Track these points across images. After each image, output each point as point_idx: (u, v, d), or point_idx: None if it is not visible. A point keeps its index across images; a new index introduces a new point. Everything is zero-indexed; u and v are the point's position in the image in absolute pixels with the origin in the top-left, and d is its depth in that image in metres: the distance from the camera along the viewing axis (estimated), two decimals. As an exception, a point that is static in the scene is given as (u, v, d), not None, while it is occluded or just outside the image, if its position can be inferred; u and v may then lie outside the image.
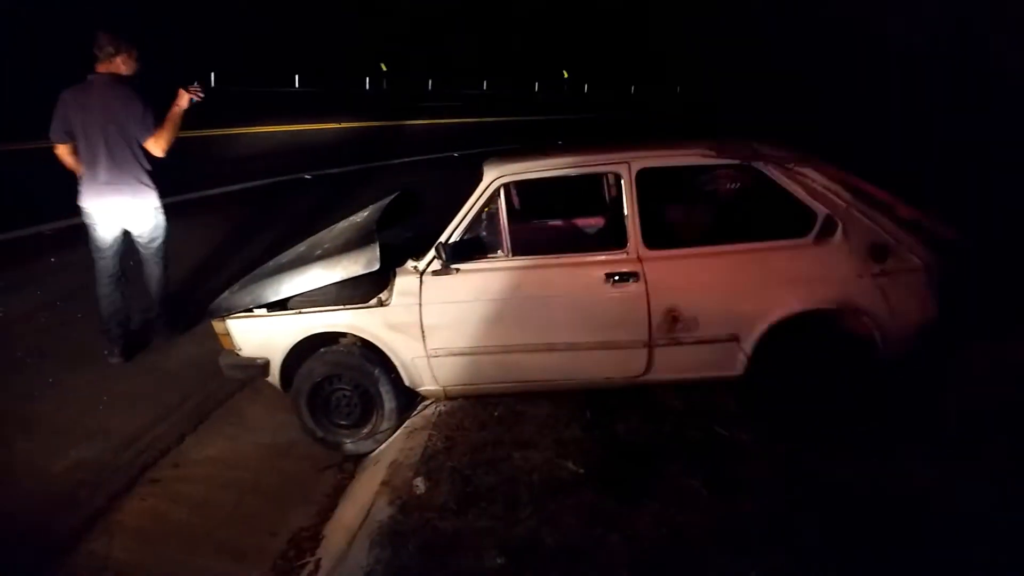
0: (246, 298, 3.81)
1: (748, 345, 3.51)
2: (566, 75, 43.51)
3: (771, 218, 3.62)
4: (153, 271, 4.83)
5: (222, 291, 4.02)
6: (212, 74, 26.17)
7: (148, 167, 4.53)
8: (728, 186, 3.95)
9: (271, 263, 4.18)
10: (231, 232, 7.78)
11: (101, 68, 4.35)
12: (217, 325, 3.91)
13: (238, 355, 3.89)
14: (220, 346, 4.00)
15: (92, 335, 5.09)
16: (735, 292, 3.51)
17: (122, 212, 4.51)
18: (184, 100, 4.41)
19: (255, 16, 29.61)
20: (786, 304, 3.46)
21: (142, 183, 4.51)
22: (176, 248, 7.05)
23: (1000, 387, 3.53)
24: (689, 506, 2.94)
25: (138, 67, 4.47)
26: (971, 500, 2.84)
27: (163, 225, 4.76)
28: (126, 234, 4.66)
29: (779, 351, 3.50)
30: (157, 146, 4.42)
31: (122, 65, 4.39)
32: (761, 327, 3.48)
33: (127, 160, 4.42)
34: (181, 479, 3.72)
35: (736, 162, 3.61)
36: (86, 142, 4.34)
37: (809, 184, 3.50)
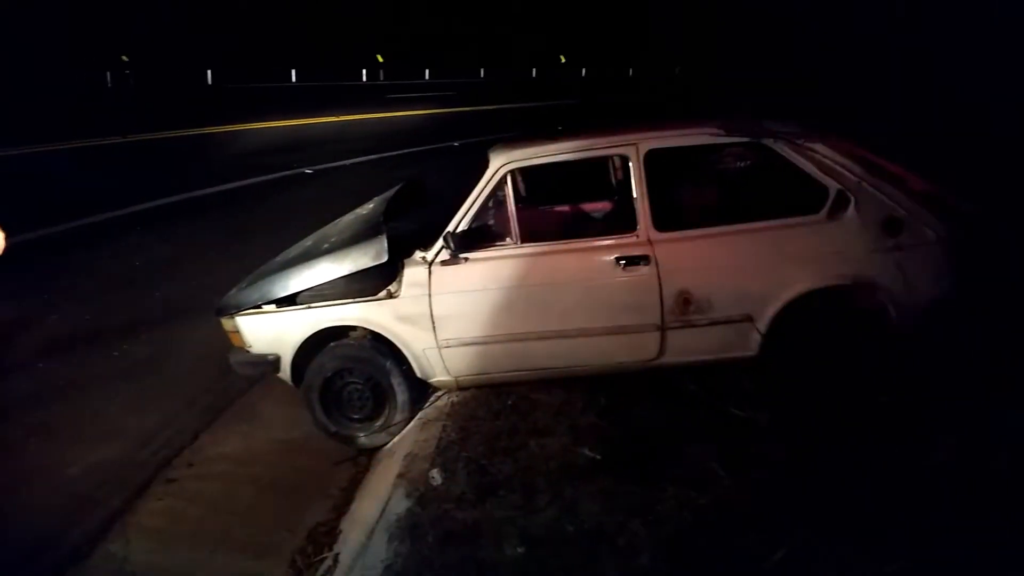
0: (254, 295, 3.78)
1: (762, 325, 3.47)
2: (563, 60, 43.25)
3: (782, 195, 3.57)
4: None
5: (229, 289, 3.99)
6: (209, 71, 26.16)
7: None
8: (737, 164, 3.90)
9: (278, 259, 4.14)
10: (235, 229, 7.77)
11: None
12: (226, 323, 3.88)
13: (248, 352, 3.87)
14: (230, 344, 3.97)
15: (99, 337, 5.08)
16: (748, 272, 3.47)
17: None
18: None
19: (251, 12, 29.55)
20: (800, 282, 3.42)
21: None
22: (181, 248, 7.09)
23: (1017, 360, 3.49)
24: (710, 489, 2.90)
25: None
26: (987, 474, 2.81)
27: None
28: None
29: (794, 330, 3.47)
30: None
31: None
32: (775, 306, 3.44)
33: None
34: (196, 478, 3.71)
35: (745, 140, 3.56)
36: None
37: (820, 159, 3.45)
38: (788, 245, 3.44)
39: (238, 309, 3.80)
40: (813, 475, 2.94)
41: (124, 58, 25.30)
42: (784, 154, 3.47)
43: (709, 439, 3.25)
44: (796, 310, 3.44)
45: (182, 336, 5.13)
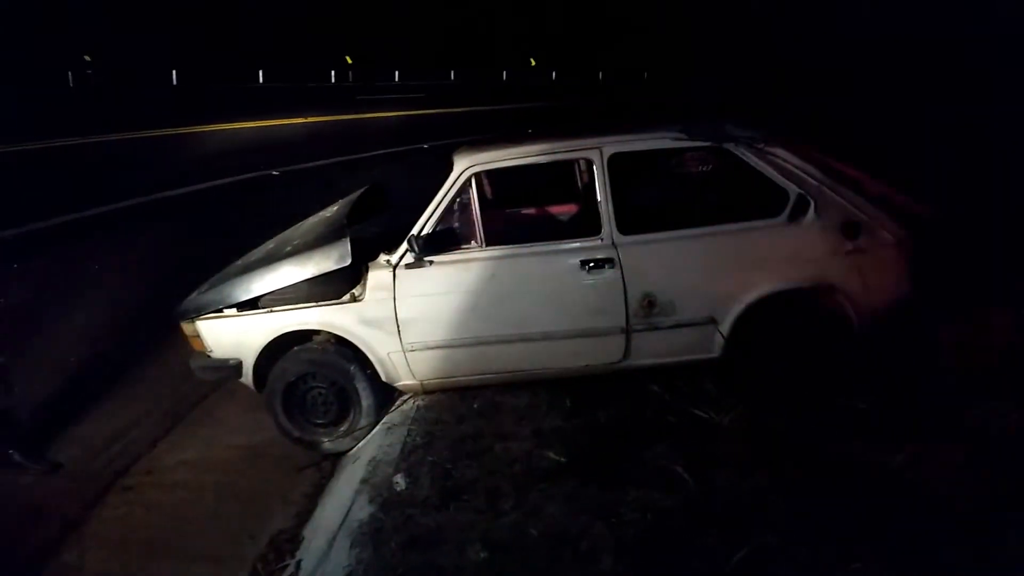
0: (216, 298, 3.71)
1: (725, 327, 3.50)
2: (533, 63, 43.35)
3: (744, 199, 3.61)
4: None
5: (191, 292, 3.92)
6: (174, 72, 25.75)
7: None
8: (700, 168, 3.93)
9: (240, 261, 4.08)
10: (198, 232, 7.65)
11: None
12: (186, 327, 3.81)
13: (209, 357, 3.80)
14: (190, 348, 3.91)
15: (55, 342, 4.98)
16: (711, 275, 3.50)
17: None
18: None
19: (217, 12, 29.16)
20: (761, 284, 3.46)
21: None
22: (142, 251, 6.97)
23: (975, 359, 3.56)
24: (673, 490, 2.92)
25: None
26: (948, 474, 2.85)
27: None
28: None
29: (756, 332, 3.50)
30: None
31: None
32: (737, 308, 3.48)
33: None
34: (155, 485, 3.65)
35: (708, 144, 3.59)
36: None
37: (780, 163, 3.49)
38: (750, 248, 3.48)
39: (199, 313, 3.74)
40: (774, 476, 2.97)
41: (87, 57, 24.80)
42: (745, 158, 3.51)
43: (672, 441, 3.27)
44: (758, 312, 3.47)
45: (141, 340, 5.03)
